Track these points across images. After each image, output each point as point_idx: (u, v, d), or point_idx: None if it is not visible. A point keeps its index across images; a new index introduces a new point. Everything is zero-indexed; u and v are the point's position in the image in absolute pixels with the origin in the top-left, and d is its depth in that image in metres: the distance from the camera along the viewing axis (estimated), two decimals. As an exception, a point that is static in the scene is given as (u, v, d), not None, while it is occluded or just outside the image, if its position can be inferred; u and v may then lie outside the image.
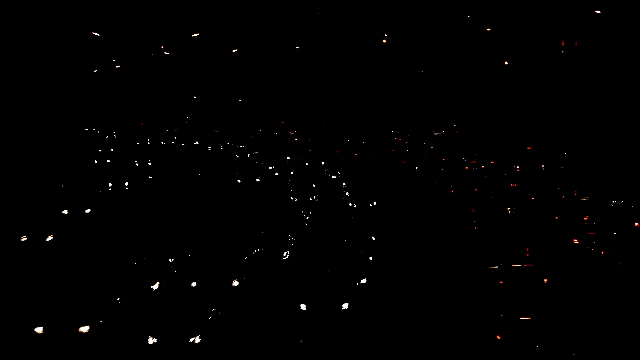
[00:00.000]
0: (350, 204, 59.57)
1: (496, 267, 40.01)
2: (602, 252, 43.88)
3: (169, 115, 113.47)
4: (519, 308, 32.94)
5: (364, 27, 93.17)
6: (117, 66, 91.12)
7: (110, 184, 60.49)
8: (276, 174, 79.91)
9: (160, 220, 49.50)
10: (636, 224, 50.07)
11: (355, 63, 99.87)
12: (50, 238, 39.95)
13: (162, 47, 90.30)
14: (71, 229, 44.41)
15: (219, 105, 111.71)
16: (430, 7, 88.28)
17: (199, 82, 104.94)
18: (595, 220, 52.99)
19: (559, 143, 79.89)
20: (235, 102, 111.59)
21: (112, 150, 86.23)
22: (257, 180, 71.81)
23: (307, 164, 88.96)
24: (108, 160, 77.78)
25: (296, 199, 62.67)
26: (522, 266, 39.93)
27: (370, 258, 41.74)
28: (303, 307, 31.38)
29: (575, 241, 46.69)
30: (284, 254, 42.02)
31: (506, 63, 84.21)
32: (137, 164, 78.44)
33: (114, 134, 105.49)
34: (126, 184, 62.77)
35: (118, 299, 31.41)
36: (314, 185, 70.53)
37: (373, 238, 47.65)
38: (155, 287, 33.63)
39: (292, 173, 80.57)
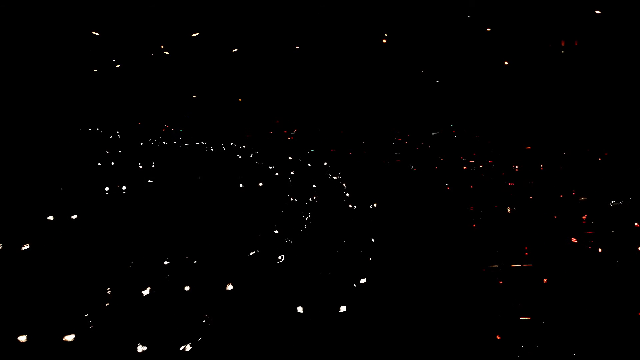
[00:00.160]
0: (350, 206, 59.51)
1: (496, 266, 40.01)
2: (600, 250, 43.89)
3: (169, 115, 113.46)
4: (518, 308, 32.94)
5: (364, 27, 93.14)
6: (117, 66, 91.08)
7: (107, 186, 59.77)
8: (276, 174, 79.82)
9: (155, 221, 48.60)
10: (636, 224, 50.08)
11: (355, 63, 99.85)
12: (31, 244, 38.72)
13: (162, 47, 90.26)
14: (62, 232, 43.38)
15: (219, 105, 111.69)
16: (430, 7, 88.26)
17: (199, 82, 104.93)
18: (594, 219, 53.01)
19: (558, 143, 79.94)
20: (236, 102, 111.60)
21: (107, 151, 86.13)
22: (257, 180, 71.69)
23: (309, 165, 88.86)
24: (107, 161, 77.69)
25: (296, 200, 62.56)
26: (521, 266, 39.95)
27: (370, 259, 41.66)
28: (300, 310, 30.84)
29: (574, 240, 46.71)
30: (279, 257, 41.09)
31: (506, 63, 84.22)
32: (136, 164, 78.35)
33: (115, 133, 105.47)
34: (124, 182, 62.45)
35: (107, 303, 30.16)
36: (314, 186, 70.45)
37: (372, 239, 47.58)
38: (146, 292, 32.18)
39: (292, 173, 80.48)
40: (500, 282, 37.48)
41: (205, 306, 31.26)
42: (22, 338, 25.33)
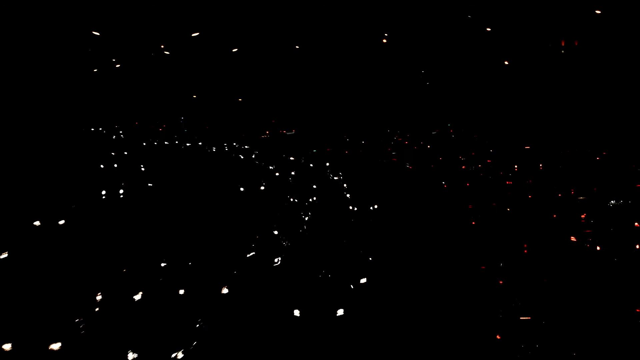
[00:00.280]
0: (350, 207, 59.52)
1: (495, 265, 40.10)
2: (598, 249, 43.98)
3: (169, 115, 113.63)
4: (518, 308, 33.01)
5: (364, 27, 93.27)
6: (117, 66, 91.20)
7: (103, 188, 59.45)
8: (277, 174, 79.83)
9: (153, 221, 48.20)
10: (636, 224, 50.19)
11: (355, 63, 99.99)
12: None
13: (162, 47, 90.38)
14: (61, 233, 42.92)
15: (219, 105, 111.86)
16: (430, 7, 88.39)
17: (199, 81, 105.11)
18: (593, 218, 53.12)
19: (558, 142, 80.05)
20: (236, 102, 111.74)
21: (108, 151, 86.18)
22: (257, 180, 71.74)
23: (310, 165, 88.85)
24: (107, 161, 77.74)
25: (296, 200, 62.56)
26: (521, 266, 40.03)
27: (370, 259, 41.66)
28: (297, 313, 30.46)
29: (573, 238, 46.82)
30: (276, 260, 40.66)
31: (506, 63, 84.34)
32: (136, 164, 78.39)
33: (115, 133, 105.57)
34: (122, 183, 62.40)
35: (96, 308, 29.21)
36: (314, 187, 70.44)
37: (372, 240, 47.60)
38: (137, 297, 31.17)
39: (292, 173, 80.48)
40: (500, 282, 37.55)
41: (200, 310, 30.60)
42: (7, 346, 24.20)
